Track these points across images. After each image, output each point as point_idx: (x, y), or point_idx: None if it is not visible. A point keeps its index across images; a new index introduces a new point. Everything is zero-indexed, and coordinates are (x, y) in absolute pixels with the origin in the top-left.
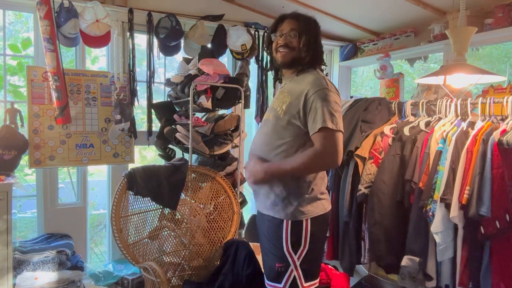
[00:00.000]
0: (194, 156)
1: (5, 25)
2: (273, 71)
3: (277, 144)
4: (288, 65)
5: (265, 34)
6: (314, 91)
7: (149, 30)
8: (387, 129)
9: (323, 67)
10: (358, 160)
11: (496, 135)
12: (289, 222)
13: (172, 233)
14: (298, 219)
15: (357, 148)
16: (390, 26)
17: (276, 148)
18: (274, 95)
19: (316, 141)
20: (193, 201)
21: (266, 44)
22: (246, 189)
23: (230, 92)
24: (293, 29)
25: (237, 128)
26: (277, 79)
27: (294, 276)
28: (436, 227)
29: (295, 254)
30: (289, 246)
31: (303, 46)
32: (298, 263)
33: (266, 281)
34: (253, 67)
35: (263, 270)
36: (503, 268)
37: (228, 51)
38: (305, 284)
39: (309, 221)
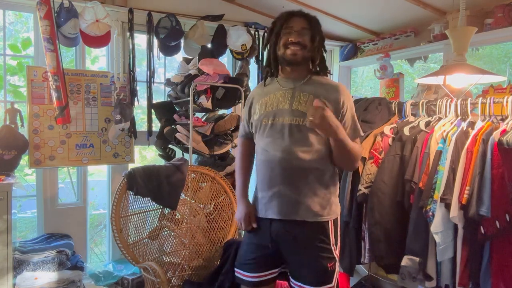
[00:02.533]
0: (194, 156)
1: (5, 25)
2: (267, 68)
3: (322, 155)
4: (297, 64)
5: (266, 31)
6: (348, 100)
7: (149, 30)
8: (387, 129)
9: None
10: None
11: (496, 135)
12: (332, 221)
13: (172, 233)
14: (336, 216)
15: None
16: (390, 26)
17: (326, 163)
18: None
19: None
20: (193, 201)
21: (268, 39)
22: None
23: (230, 92)
24: (305, 28)
25: (237, 128)
26: (269, 76)
27: (337, 270)
28: (436, 227)
29: (337, 249)
30: (334, 243)
31: (316, 46)
32: (338, 257)
33: None
34: (253, 67)
35: (301, 280)
36: (503, 268)
37: (228, 51)
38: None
39: (338, 215)
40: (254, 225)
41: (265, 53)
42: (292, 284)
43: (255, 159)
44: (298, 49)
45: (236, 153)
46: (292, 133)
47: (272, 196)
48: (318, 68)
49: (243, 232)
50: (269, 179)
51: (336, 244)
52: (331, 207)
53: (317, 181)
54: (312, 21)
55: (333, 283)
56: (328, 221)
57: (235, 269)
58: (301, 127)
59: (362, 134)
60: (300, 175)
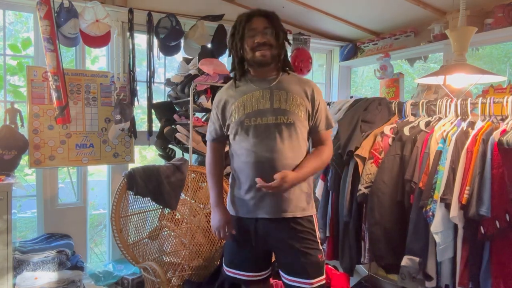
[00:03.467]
0: (194, 156)
1: (5, 25)
2: (235, 71)
3: (303, 151)
4: (268, 64)
5: (229, 34)
6: (318, 92)
7: (149, 30)
8: (387, 129)
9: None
10: (358, 160)
11: (496, 135)
12: (315, 215)
13: (172, 233)
14: (315, 211)
15: (357, 148)
16: (390, 26)
17: (302, 155)
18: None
19: (327, 140)
20: (193, 201)
21: (231, 43)
22: None
23: None
24: (267, 27)
25: None
26: (238, 78)
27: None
28: (436, 227)
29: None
30: (318, 236)
31: (280, 43)
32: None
33: (311, 281)
34: None
35: (295, 275)
36: (503, 268)
37: (228, 51)
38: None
39: None
40: (233, 232)
41: (230, 57)
42: (285, 280)
43: (235, 161)
44: (265, 49)
45: (206, 159)
46: (278, 132)
47: (263, 196)
48: (284, 63)
49: None
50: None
51: (318, 237)
52: (313, 202)
53: None
54: (272, 18)
55: (324, 275)
56: (312, 215)
57: (226, 267)
58: (285, 126)
59: (334, 125)
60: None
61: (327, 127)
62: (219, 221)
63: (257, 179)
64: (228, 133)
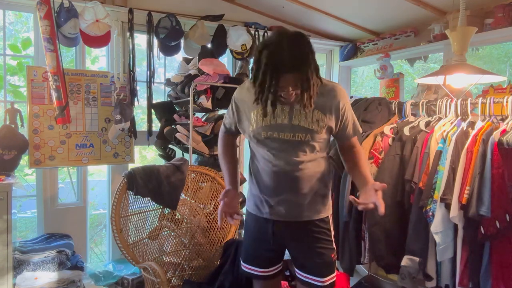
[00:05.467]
0: (194, 156)
1: (5, 25)
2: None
3: (322, 158)
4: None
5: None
6: (344, 98)
7: (149, 30)
8: (387, 129)
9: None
10: None
11: (496, 135)
12: (331, 215)
13: (172, 233)
14: (332, 210)
15: None
16: (390, 26)
17: (325, 163)
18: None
19: (355, 144)
20: (193, 201)
21: (255, 76)
22: (246, 189)
23: (230, 92)
24: (295, 85)
25: None
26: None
27: None
28: (436, 227)
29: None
30: (332, 234)
31: (312, 83)
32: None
33: (323, 280)
34: None
35: (308, 271)
36: (503, 268)
37: (228, 51)
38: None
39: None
40: (238, 217)
41: (251, 76)
42: (299, 275)
43: (254, 162)
44: (292, 94)
45: (218, 142)
46: (296, 148)
47: (278, 202)
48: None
49: (243, 232)
50: (275, 187)
51: (332, 236)
52: (330, 203)
53: (320, 182)
54: (302, 66)
55: (335, 272)
56: (328, 216)
57: (243, 263)
58: (303, 143)
59: (361, 131)
60: (306, 182)
61: (354, 134)
62: (223, 194)
63: (350, 197)
64: (245, 137)
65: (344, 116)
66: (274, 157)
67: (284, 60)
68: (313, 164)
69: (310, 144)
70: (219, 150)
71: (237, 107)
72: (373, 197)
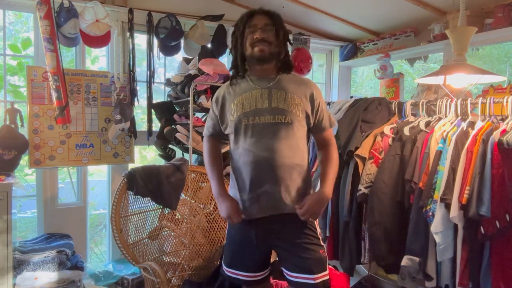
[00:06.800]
0: (194, 156)
1: (5, 25)
2: (234, 69)
3: (302, 150)
4: (266, 60)
5: (232, 32)
6: (318, 92)
7: (149, 30)
8: (387, 129)
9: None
10: (358, 160)
11: (496, 135)
12: None
13: (172, 233)
14: None
15: (357, 148)
16: (390, 26)
17: (305, 158)
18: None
19: (331, 138)
20: (193, 201)
21: (233, 41)
22: None
23: None
24: (268, 24)
25: None
26: (236, 76)
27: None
28: (436, 227)
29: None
30: (319, 232)
31: (280, 41)
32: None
33: (314, 277)
34: None
35: (299, 271)
36: (503, 268)
37: (228, 51)
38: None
39: None
40: (243, 216)
41: (231, 55)
42: (289, 277)
43: (233, 162)
44: (264, 45)
45: (204, 152)
46: (275, 132)
47: (259, 195)
48: (284, 63)
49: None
50: (255, 180)
51: (319, 233)
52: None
53: (299, 176)
54: (274, 17)
55: (327, 270)
56: None
57: (227, 268)
58: (283, 125)
59: (335, 123)
60: (286, 173)
61: (330, 125)
62: (227, 207)
63: (296, 206)
64: (227, 132)
65: (319, 106)
66: (254, 146)
67: (257, 9)
68: (293, 153)
69: (290, 129)
70: (205, 159)
71: (219, 105)
72: (308, 200)
